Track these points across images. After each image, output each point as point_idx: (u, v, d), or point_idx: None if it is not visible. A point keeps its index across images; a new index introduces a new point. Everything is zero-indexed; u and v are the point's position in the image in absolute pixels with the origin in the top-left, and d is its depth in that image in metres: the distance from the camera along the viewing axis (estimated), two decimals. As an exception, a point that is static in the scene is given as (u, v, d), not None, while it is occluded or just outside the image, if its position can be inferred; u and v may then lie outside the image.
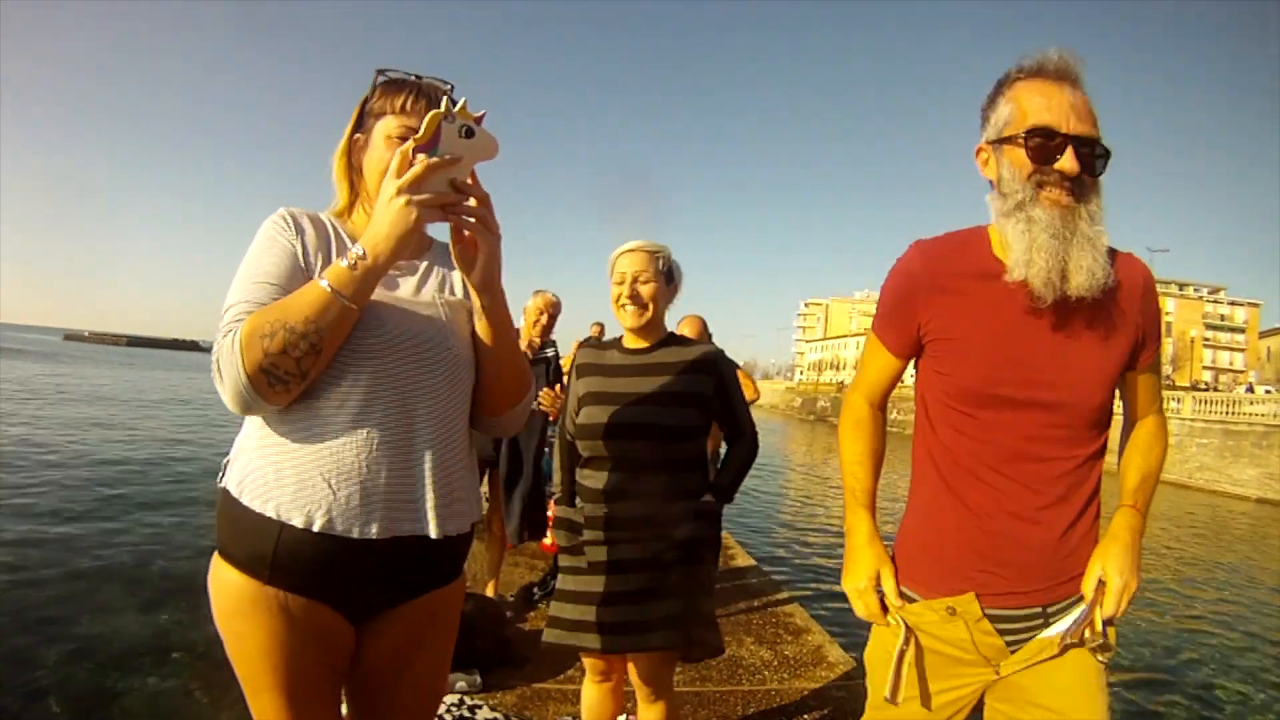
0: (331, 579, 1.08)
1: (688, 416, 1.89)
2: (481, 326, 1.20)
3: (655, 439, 1.88)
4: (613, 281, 1.96)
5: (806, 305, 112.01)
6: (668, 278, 1.97)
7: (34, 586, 5.61)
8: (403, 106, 1.19)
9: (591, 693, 2.07)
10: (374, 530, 1.06)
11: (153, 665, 4.33)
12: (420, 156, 1.02)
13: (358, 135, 1.23)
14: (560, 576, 1.99)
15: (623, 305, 1.93)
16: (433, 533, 1.11)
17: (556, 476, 2.10)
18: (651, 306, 1.92)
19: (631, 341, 2.01)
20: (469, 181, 1.06)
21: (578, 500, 2.01)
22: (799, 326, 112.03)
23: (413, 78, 1.21)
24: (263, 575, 1.06)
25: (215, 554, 1.12)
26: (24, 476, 9.38)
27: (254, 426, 1.12)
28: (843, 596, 1.32)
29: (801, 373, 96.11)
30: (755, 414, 2.26)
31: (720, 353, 2.01)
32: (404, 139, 1.06)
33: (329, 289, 1.02)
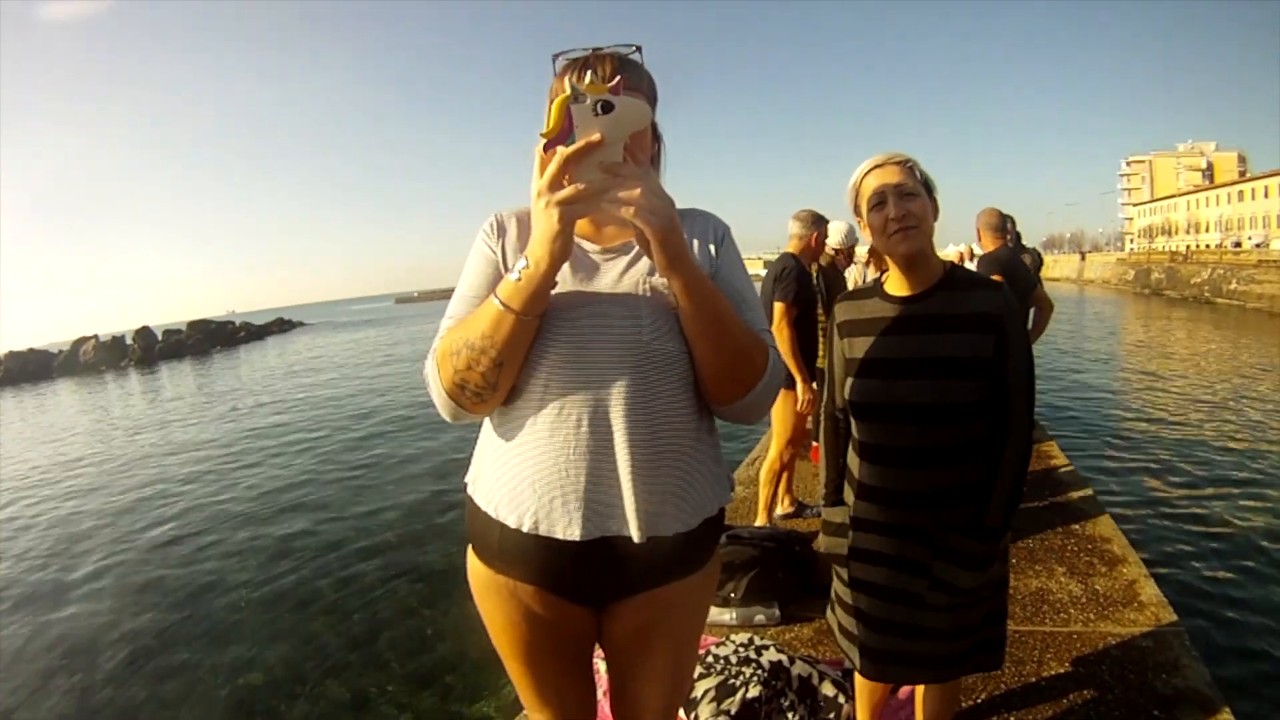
0: (548, 574, 1.12)
1: (967, 391, 1.48)
2: (681, 312, 1.07)
3: (927, 421, 1.51)
4: (866, 208, 1.53)
5: (1128, 164, 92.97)
6: (928, 192, 1.53)
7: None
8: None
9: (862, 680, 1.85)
10: (577, 533, 1.05)
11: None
12: (557, 149, 0.94)
13: None
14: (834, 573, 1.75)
15: (891, 234, 1.49)
16: (635, 536, 1.05)
17: (822, 471, 1.78)
18: (924, 228, 1.50)
19: (898, 286, 1.58)
20: (621, 160, 0.95)
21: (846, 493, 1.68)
22: (1123, 190, 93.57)
23: (589, 51, 1.10)
24: (494, 565, 1.15)
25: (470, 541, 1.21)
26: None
27: (484, 426, 1.18)
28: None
29: (1132, 240, 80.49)
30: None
31: (1010, 301, 1.52)
32: None
33: (499, 304, 1.01)
